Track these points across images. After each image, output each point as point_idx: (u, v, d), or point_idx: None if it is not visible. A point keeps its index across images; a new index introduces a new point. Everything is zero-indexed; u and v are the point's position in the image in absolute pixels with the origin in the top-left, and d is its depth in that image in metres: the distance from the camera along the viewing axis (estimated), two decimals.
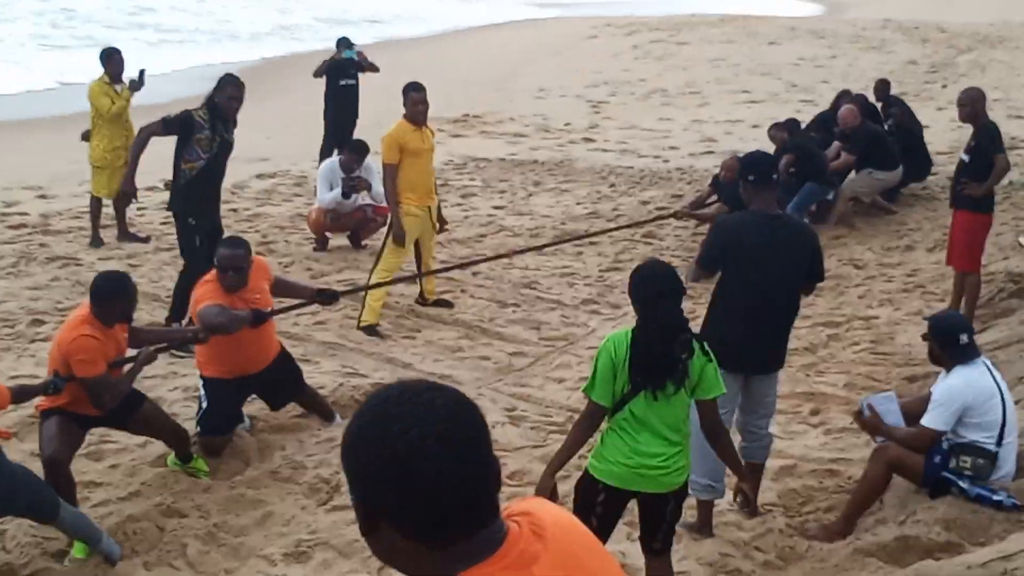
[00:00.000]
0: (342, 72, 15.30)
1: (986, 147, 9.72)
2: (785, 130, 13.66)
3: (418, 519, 1.94)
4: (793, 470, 7.34)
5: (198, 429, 7.44)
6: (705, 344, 5.12)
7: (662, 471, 5.03)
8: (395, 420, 1.93)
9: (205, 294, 7.31)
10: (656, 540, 5.24)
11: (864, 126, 13.72)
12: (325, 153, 14.93)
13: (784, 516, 6.69)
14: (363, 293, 9.97)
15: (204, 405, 7.46)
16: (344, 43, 15.51)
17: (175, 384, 8.60)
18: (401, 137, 9.96)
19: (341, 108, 15.32)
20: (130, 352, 6.84)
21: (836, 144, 13.85)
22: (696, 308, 8.21)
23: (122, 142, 11.95)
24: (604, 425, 5.21)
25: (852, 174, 13.71)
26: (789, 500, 6.96)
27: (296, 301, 8.29)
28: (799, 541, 6.23)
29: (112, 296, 6.63)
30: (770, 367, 6.61)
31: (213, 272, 7.47)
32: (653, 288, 5.02)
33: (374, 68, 15.50)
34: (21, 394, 6.38)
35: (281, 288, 8.01)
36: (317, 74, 15.49)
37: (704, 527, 6.43)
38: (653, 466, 5.01)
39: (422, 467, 1.90)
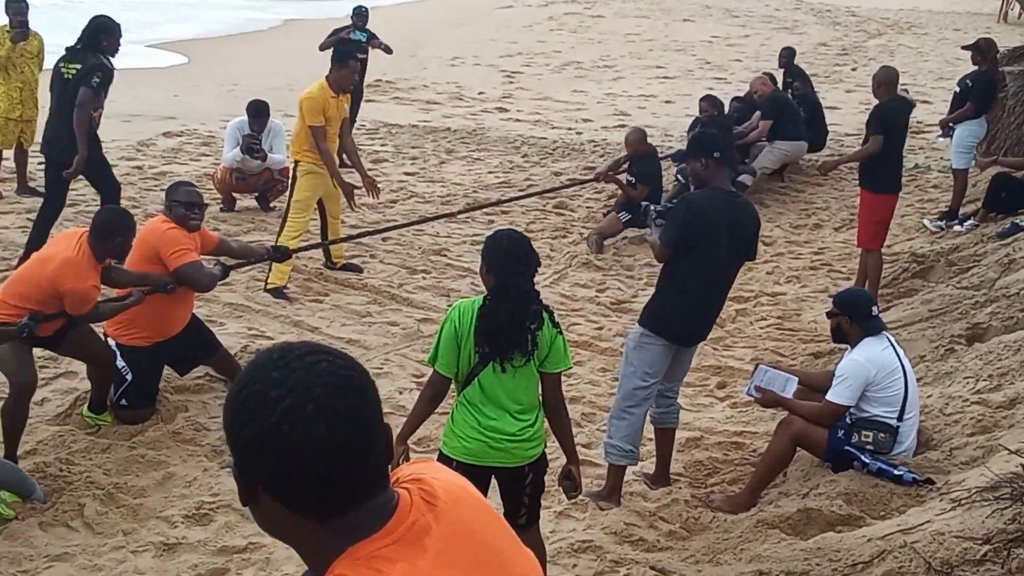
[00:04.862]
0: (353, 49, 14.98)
1: (871, 125, 9.83)
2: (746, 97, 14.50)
3: (292, 491, 1.83)
4: (699, 442, 7.40)
5: (123, 402, 7.18)
6: (555, 315, 5.09)
7: (515, 443, 4.98)
8: (274, 385, 1.82)
9: (178, 241, 7.05)
10: (520, 516, 5.15)
11: (774, 92, 14.39)
12: None
13: (689, 487, 6.73)
14: None
15: (129, 377, 7.13)
16: (358, 16, 15.07)
17: None
18: (324, 102, 9.77)
19: None
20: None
21: (755, 116, 14.13)
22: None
23: (17, 94, 11.71)
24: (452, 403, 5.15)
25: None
26: (695, 472, 7.01)
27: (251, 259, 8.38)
28: (704, 512, 6.28)
29: (114, 231, 6.56)
30: (702, 338, 6.78)
31: (163, 218, 7.24)
32: (512, 257, 4.94)
33: (387, 50, 15.15)
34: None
35: (226, 250, 7.89)
36: (323, 47, 14.82)
37: (613, 494, 6.42)
38: (506, 437, 4.96)
39: (295, 437, 1.80)
